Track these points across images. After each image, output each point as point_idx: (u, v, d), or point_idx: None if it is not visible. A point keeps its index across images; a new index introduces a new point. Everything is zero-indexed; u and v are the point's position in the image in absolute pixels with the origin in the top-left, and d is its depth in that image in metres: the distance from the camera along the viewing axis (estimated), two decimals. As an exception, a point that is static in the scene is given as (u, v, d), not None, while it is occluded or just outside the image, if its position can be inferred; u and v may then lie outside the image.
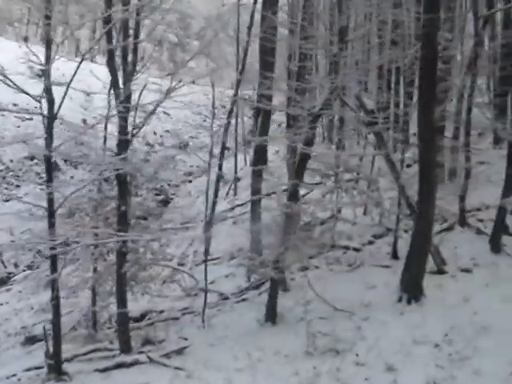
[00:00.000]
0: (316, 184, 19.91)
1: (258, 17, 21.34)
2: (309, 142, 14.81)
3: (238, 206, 25.92)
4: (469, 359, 12.29)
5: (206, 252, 17.69)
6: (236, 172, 28.67)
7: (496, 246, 17.10)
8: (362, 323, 14.19)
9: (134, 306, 17.61)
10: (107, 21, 13.49)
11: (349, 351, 13.05)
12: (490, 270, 16.07)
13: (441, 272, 16.20)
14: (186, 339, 15.19)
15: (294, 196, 14.95)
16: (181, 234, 24.13)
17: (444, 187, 20.80)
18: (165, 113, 42.54)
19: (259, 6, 21.30)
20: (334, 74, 14.67)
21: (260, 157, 20.00)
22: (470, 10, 23.42)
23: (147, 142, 38.33)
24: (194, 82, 44.88)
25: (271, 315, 15.21)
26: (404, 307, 14.67)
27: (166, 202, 32.52)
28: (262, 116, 20.14)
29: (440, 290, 15.30)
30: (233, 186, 28.94)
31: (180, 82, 14.44)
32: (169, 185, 35.39)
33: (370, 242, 19.26)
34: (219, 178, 23.19)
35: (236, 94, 21.76)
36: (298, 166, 14.94)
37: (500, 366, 11.84)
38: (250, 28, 22.18)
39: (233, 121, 27.91)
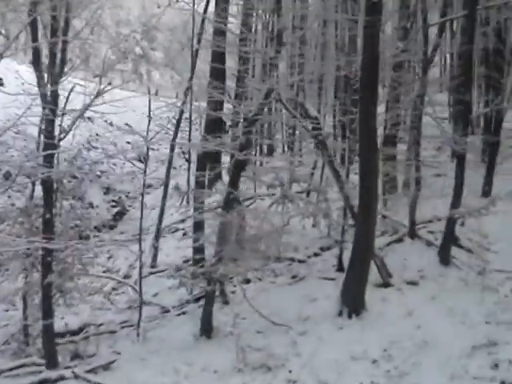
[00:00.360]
0: (260, 195, 19.33)
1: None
2: (243, 149, 14.28)
3: (189, 217, 25.31)
4: (407, 375, 12.00)
5: (141, 264, 17.18)
6: (189, 182, 27.98)
7: (445, 258, 16.67)
8: (299, 338, 13.69)
9: (74, 319, 17.08)
10: (31, 13, 12.80)
11: (281, 367, 12.58)
12: (437, 283, 15.66)
13: (386, 285, 15.70)
14: (118, 353, 14.58)
15: (228, 205, 14.39)
16: (131, 245, 23.54)
17: (397, 198, 20.44)
18: (127, 124, 41.89)
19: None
20: (269, 78, 14.25)
21: (204, 165, 19.38)
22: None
23: (107, 153, 37.64)
24: (156, 94, 44.70)
25: (206, 329, 14.61)
26: (344, 321, 14.16)
27: (121, 214, 32.08)
28: (208, 123, 19.73)
29: (383, 303, 14.83)
30: (186, 197, 28.30)
31: (109, 84, 13.90)
32: (127, 196, 34.91)
33: (316, 254, 18.66)
34: (166, 187, 22.83)
35: (184, 102, 21.33)
36: (233, 173, 14.42)
37: (440, 380, 11.57)
38: (200, 35, 21.85)
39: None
